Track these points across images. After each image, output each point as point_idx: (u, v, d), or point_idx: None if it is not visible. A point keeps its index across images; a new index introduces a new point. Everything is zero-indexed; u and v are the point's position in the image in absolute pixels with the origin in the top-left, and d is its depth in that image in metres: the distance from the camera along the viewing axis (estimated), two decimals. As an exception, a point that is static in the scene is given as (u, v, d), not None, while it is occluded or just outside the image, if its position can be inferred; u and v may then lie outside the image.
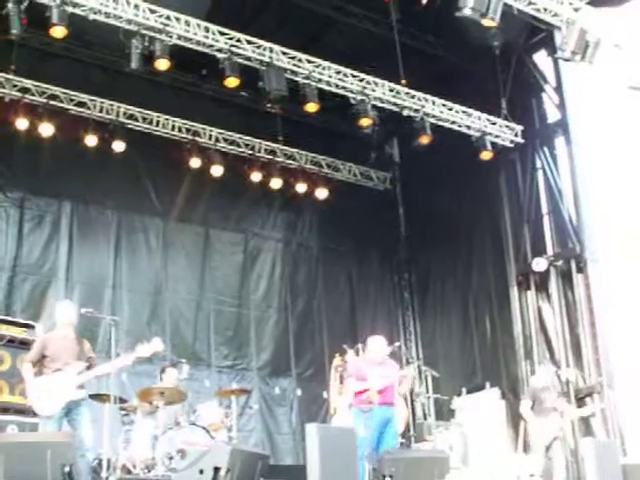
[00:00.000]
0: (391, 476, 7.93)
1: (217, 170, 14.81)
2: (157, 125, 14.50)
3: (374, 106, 13.58)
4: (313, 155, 16.29)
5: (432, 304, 16.80)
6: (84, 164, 13.88)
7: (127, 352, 8.62)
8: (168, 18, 11.78)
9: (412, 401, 15.25)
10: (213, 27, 12.23)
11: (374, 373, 9.07)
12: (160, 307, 14.56)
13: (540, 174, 14.82)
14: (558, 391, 10.80)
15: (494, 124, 14.58)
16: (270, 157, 15.60)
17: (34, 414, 8.58)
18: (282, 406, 15.32)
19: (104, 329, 10.24)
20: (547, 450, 10.09)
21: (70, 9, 10.96)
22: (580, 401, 12.84)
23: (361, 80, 13.56)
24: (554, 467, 10.05)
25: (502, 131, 14.67)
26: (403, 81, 13.67)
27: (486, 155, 14.34)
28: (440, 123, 14.18)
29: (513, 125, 14.75)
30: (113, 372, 8.48)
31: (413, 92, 13.89)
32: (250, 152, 15.44)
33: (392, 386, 9.11)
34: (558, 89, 14.57)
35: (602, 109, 13.79)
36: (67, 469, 6.81)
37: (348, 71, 13.47)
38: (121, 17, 11.39)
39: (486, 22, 11.03)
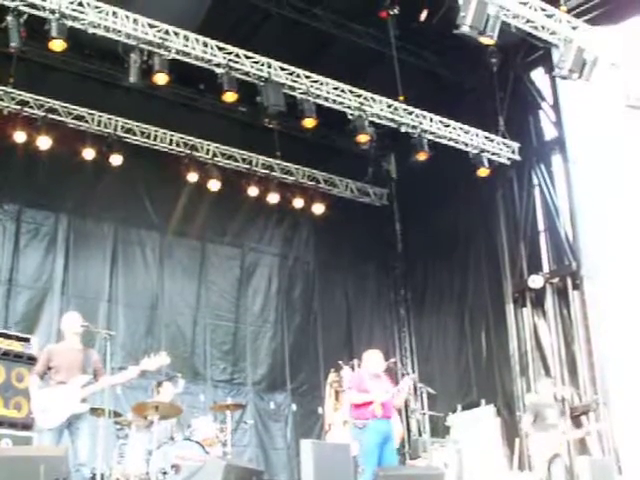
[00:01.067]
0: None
1: (214, 184, 14.82)
2: (155, 139, 14.51)
3: (372, 122, 13.60)
4: (310, 170, 16.29)
5: (428, 320, 16.78)
6: (81, 177, 13.92)
7: (132, 365, 8.62)
8: (167, 33, 11.80)
9: (407, 417, 15.22)
10: (211, 42, 12.25)
11: (376, 386, 9.05)
12: (156, 321, 14.50)
13: (537, 191, 14.84)
14: (560, 409, 10.76)
15: (491, 141, 14.61)
16: (267, 172, 15.60)
17: (28, 428, 8.52)
18: (277, 421, 15.24)
19: (99, 343, 10.16)
20: (549, 465, 10.03)
21: (69, 23, 10.98)
22: (576, 419, 12.84)
23: (359, 96, 13.57)
24: None
25: (499, 148, 14.70)
26: (401, 97, 13.70)
27: (483, 172, 14.36)
28: (437, 140, 14.19)
29: (510, 142, 14.77)
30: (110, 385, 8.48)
31: (411, 108, 13.92)
32: (247, 167, 15.44)
33: (391, 400, 9.09)
34: (555, 107, 14.63)
35: (599, 127, 13.82)
36: (61, 484, 6.78)
37: (346, 87, 13.49)
38: (120, 31, 11.40)
39: (484, 40, 11.06)
